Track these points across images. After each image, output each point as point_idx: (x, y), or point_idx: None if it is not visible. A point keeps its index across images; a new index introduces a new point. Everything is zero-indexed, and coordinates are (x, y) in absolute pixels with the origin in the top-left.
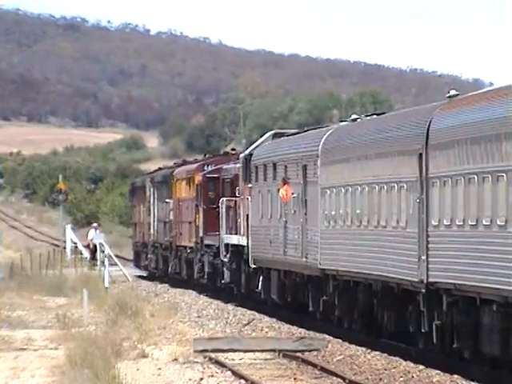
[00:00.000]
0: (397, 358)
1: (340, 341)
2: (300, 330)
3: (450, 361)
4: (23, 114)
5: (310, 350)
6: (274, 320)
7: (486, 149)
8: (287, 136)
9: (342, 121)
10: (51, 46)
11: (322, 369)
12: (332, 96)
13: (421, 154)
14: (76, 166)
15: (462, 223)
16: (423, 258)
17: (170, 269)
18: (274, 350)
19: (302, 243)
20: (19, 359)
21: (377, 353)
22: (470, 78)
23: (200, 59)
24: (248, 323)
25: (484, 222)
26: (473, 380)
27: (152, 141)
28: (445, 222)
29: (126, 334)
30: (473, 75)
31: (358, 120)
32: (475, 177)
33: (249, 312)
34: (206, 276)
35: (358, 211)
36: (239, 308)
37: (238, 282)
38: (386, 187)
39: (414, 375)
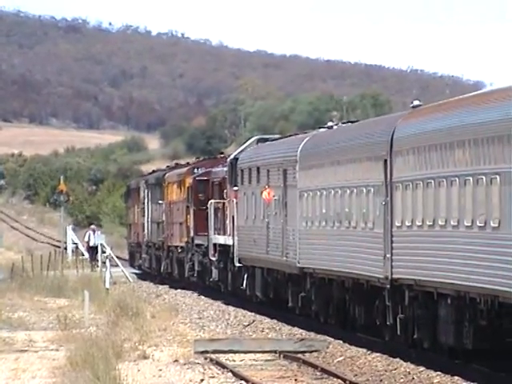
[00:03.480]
0: (397, 360)
1: (341, 342)
2: (301, 331)
3: (450, 362)
4: (24, 116)
5: (310, 351)
6: (275, 321)
7: (442, 155)
8: (270, 141)
9: (320, 127)
10: (52, 48)
11: (323, 370)
12: (332, 98)
13: (386, 160)
14: (77, 167)
15: (421, 224)
16: (388, 256)
17: (162, 268)
18: (274, 351)
19: (282, 243)
20: (20, 360)
21: (377, 354)
22: (471, 79)
23: (201, 61)
24: (249, 324)
25: (439, 223)
26: (473, 381)
27: (153, 142)
28: (406, 223)
29: (126, 336)
30: (474, 76)
31: (334, 127)
32: (432, 181)
33: (249, 313)
34: (195, 274)
35: (331, 213)
36: (240, 309)
37: (225, 279)
38: (355, 191)
39: (415, 376)
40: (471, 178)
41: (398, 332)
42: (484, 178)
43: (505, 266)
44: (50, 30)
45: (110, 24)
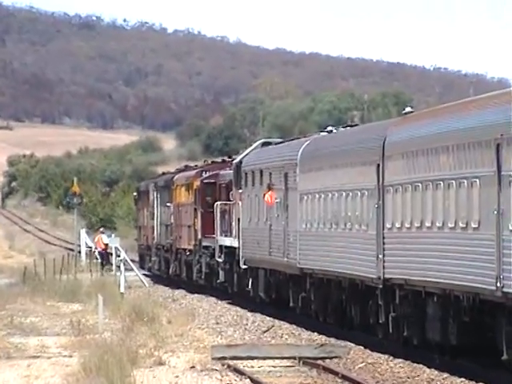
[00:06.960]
0: (420, 366)
1: (362, 348)
2: (321, 336)
3: (474, 368)
4: (36, 115)
5: (331, 358)
6: (294, 326)
7: (428, 160)
8: (274, 145)
9: (321, 131)
10: (65, 45)
11: (344, 377)
12: (353, 96)
13: (378, 165)
14: (91, 168)
15: (409, 225)
16: (380, 256)
17: (170, 270)
18: (294, 358)
19: (283, 244)
20: (32, 367)
21: (400, 360)
22: (495, 77)
23: (218, 58)
24: (267, 330)
25: (426, 224)
26: None
27: (169, 142)
28: (397, 225)
29: (142, 341)
30: (498, 74)
31: (334, 132)
32: (420, 185)
33: (268, 318)
34: (203, 276)
35: (329, 215)
36: (258, 314)
37: (231, 281)
38: (351, 194)
39: (438, 383)
40: (454, 182)
41: (390, 330)
42: (465, 181)
43: (484, 264)
44: (63, 27)
45: (125, 21)
